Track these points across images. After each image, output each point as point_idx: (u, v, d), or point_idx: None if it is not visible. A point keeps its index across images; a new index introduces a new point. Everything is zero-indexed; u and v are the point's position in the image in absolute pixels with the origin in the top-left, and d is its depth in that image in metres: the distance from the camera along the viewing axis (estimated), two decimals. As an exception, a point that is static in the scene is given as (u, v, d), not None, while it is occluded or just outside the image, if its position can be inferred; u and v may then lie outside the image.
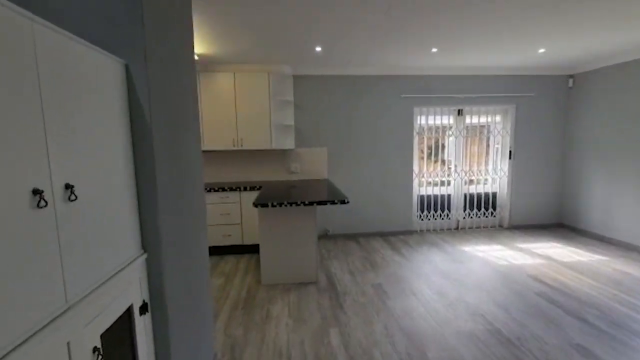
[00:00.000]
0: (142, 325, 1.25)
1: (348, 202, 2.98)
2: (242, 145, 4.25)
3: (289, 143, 4.52)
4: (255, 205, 2.93)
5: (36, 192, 0.75)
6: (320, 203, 2.96)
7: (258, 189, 4.06)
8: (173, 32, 1.53)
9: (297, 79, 4.53)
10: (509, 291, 2.99)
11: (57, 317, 0.81)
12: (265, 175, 4.66)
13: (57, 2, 1.15)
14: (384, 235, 4.86)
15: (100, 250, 1.00)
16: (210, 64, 4.10)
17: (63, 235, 0.84)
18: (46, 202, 0.78)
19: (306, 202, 2.94)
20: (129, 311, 1.17)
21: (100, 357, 0.96)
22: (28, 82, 0.75)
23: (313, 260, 3.25)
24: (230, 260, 3.97)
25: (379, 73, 4.61)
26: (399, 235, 4.86)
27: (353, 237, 4.82)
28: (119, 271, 1.10)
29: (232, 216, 4.08)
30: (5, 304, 0.67)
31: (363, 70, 4.57)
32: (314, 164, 4.68)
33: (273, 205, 2.92)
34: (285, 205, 2.93)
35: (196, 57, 3.70)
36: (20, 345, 0.70)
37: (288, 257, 3.22)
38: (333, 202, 2.96)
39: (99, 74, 1.03)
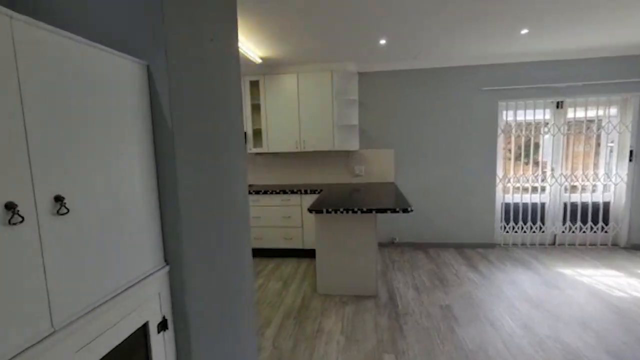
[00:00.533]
0: (162, 343, 1.17)
1: (411, 210, 2.63)
2: (304, 147, 4.18)
3: (352, 144, 4.30)
4: (310, 210, 2.78)
5: (9, 206, 0.68)
6: (379, 211, 2.67)
7: (319, 192, 3.93)
8: (209, 33, 1.44)
9: (363, 76, 4.27)
10: (629, 336, 2.30)
11: (38, 342, 0.74)
12: (328, 178, 4.51)
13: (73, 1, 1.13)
14: (458, 248, 4.30)
15: (102, 267, 0.93)
16: (274, 66, 4.11)
17: (49, 254, 0.77)
18: (22, 218, 0.70)
19: (364, 210, 2.69)
20: (144, 329, 1.10)
21: (97, 383, 0.88)
22: (3, 88, 0.68)
23: (372, 273, 2.98)
24: (290, 264, 3.92)
25: (454, 64, 4.08)
26: (477, 249, 4.25)
27: (422, 247, 4.38)
28: (129, 287, 1.02)
29: (293, 219, 4.02)
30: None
31: (434, 62, 4.10)
32: (379, 166, 4.37)
33: (328, 212, 2.74)
34: (341, 212, 2.72)
35: (259, 61, 3.72)
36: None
37: (345, 266, 3.01)
38: (394, 211, 2.65)
39: (107, 75, 0.96)
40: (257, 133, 4.32)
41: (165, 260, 1.22)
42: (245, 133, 4.08)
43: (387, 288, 3.17)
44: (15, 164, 0.70)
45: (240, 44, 3.15)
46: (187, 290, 1.24)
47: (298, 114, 4.14)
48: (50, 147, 0.78)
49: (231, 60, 1.70)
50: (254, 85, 4.21)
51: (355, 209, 2.70)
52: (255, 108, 4.27)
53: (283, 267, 3.84)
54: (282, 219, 4.04)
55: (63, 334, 0.80)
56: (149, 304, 1.12)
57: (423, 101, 4.22)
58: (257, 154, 4.55)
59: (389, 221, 4.40)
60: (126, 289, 1.01)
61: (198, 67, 1.35)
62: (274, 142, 4.24)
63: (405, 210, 2.62)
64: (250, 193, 4.05)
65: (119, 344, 0.99)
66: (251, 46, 3.32)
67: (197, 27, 1.34)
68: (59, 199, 0.80)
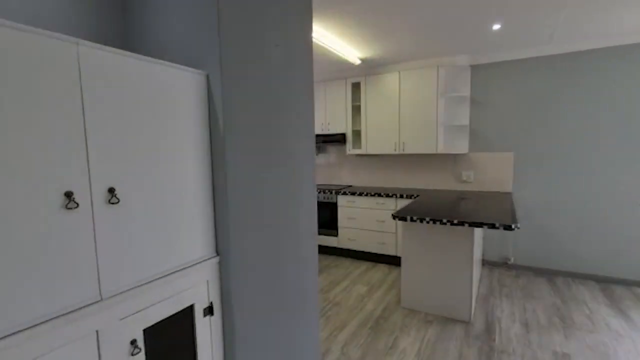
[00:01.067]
0: (207, 326, 1.29)
1: (516, 227, 2.17)
2: (403, 150, 3.95)
3: (460, 146, 3.83)
4: (394, 217, 2.61)
5: (68, 194, 0.86)
6: (473, 224, 2.30)
7: (416, 197, 3.65)
8: (274, 39, 1.51)
9: (476, 69, 3.75)
10: None
11: (85, 306, 0.91)
12: (430, 183, 4.14)
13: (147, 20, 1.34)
14: (603, 282, 3.33)
15: (149, 251, 1.08)
16: (375, 66, 4.02)
17: (100, 236, 0.94)
18: (77, 204, 0.88)
19: (454, 222, 2.36)
20: (191, 310, 1.23)
21: (137, 349, 1.03)
22: (69, 97, 0.87)
23: (467, 294, 2.59)
24: (381, 270, 3.78)
25: (598, 45, 3.16)
26: (631, 287, 3.20)
27: (545, 274, 3.56)
28: (176, 271, 1.16)
29: (387, 224, 3.86)
30: (32, 286, 0.80)
31: (569, 46, 3.26)
32: (493, 173, 3.76)
33: (412, 220, 2.51)
34: (427, 222, 2.46)
35: (358, 62, 3.70)
36: (46, 321, 0.82)
37: (434, 282, 2.71)
38: (492, 226, 2.23)
39: (162, 85, 1.11)
40: (357, 134, 4.31)
41: (217, 252, 1.33)
42: (344, 135, 4.14)
43: (486, 316, 2.70)
44: (75, 160, 0.88)
45: (337, 46, 3.20)
46: (234, 280, 1.33)
47: (398, 114, 3.94)
48: (105, 147, 0.95)
49: (301, 63, 1.73)
50: (356, 87, 4.21)
51: (444, 220, 2.39)
52: (356, 109, 4.27)
53: (373, 272, 3.73)
54: (377, 223, 3.93)
55: (109, 302, 0.97)
56: (196, 289, 1.25)
57: (555, 94, 3.42)
58: (356, 155, 4.55)
59: (504, 238, 3.75)
60: (172, 273, 1.16)
61: (259, 74, 1.42)
62: (372, 143, 4.16)
63: (507, 227, 2.18)
64: (345, 194, 4.08)
65: (164, 320, 1.14)
66: (349, 47, 3.33)
67: (259, 36, 1.42)
68: (111, 190, 0.96)
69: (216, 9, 1.21)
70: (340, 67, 4.05)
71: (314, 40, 2.93)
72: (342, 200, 4.13)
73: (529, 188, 3.61)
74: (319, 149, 4.85)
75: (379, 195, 3.86)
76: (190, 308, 1.24)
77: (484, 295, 3.07)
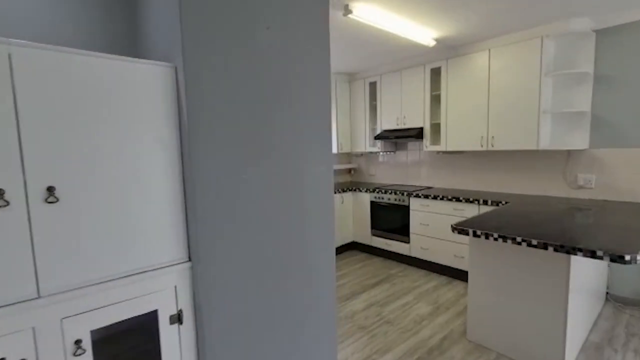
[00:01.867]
0: (176, 335, 1.22)
1: (632, 261, 1.46)
2: (492, 145, 3.23)
3: (576, 140, 2.92)
4: (453, 228, 2.12)
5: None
6: (563, 249, 1.66)
7: (504, 205, 2.94)
8: (265, 20, 1.33)
9: (603, 35, 2.77)
10: None
11: (20, 302, 0.93)
12: (529, 188, 3.29)
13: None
14: None
15: (100, 252, 1.05)
16: (458, 46, 3.40)
17: (38, 234, 0.94)
18: (7, 202, 0.89)
19: (534, 243, 1.75)
20: (155, 317, 1.18)
21: (80, 349, 1.02)
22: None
23: (558, 339, 1.92)
24: (454, 289, 3.19)
25: None
26: None
27: None
28: (131, 275, 1.11)
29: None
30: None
31: None
32: (627, 176, 2.74)
33: (476, 235, 1.99)
34: (495, 239, 1.90)
35: (432, 43, 3.17)
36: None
37: (511, 315, 2.10)
38: (592, 254, 1.56)
39: (118, 81, 1.06)
40: (436, 128, 3.75)
41: (190, 257, 1.25)
42: (421, 129, 3.66)
43: (590, 374, 1.95)
44: (6, 159, 0.90)
45: (400, 27, 2.79)
46: (205, 288, 1.22)
47: (487, 102, 3.24)
48: (45, 146, 0.95)
49: (311, 49, 1.50)
50: (435, 73, 3.65)
51: (519, 240, 1.80)
52: (435, 100, 3.70)
53: (444, 289, 3.18)
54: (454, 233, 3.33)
55: (47, 300, 0.97)
56: (160, 294, 1.18)
57: None
58: (437, 152, 3.97)
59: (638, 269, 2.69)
60: (130, 275, 1.11)
61: (241, 62, 1.27)
62: (453, 138, 3.54)
63: (618, 259, 1.49)
64: (418, 196, 3.60)
65: (121, 323, 1.10)
66: (420, 26, 2.86)
67: (241, 17, 1.26)
68: (50, 189, 0.96)
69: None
70: (416, 51, 3.57)
71: (371, 24, 2.62)
72: (415, 204, 3.66)
73: (691, 200, 2.49)
74: (395, 146, 4.42)
75: (457, 199, 3.26)
76: (154, 313, 1.18)
77: (596, 343, 2.25)
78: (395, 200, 3.85)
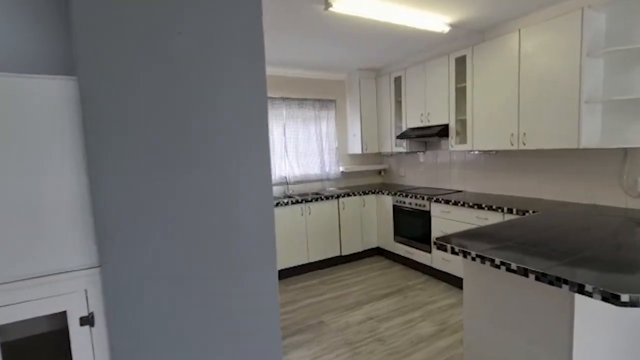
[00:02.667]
0: (87, 337, 1.27)
1: (627, 303, 1.07)
2: (524, 144, 2.74)
3: (636, 135, 2.30)
4: (434, 242, 1.84)
5: None
6: (557, 282, 1.30)
7: (533, 214, 2.45)
8: (177, 26, 1.30)
9: (673, -2, 2.12)
10: None
11: None
12: (576, 194, 2.70)
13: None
14: None
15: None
16: (483, 30, 2.95)
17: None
18: None
19: (512, 268, 1.41)
20: (64, 318, 1.24)
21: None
22: None
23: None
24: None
25: None
26: None
27: None
28: (35, 278, 1.19)
29: (491, 247, 2.79)
30: None
31: None
32: None
33: (454, 252, 1.69)
34: (473, 258, 1.58)
35: (446, 29, 2.80)
36: None
37: (513, 352, 1.73)
38: (589, 294, 1.19)
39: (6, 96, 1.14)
40: (462, 125, 3.31)
41: (100, 261, 1.29)
42: (446, 126, 3.31)
43: None
44: None
45: (406, 17, 2.53)
46: (116, 293, 1.25)
47: (517, 92, 2.74)
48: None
49: (235, 48, 1.43)
50: (460, 63, 3.22)
51: (497, 262, 1.47)
52: (461, 93, 3.27)
53: (460, 308, 2.80)
54: (477, 244, 2.90)
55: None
56: (69, 297, 1.24)
57: None
58: (466, 152, 3.51)
59: None
60: (32, 278, 1.19)
61: (150, 70, 1.26)
62: (480, 136, 3.09)
63: (608, 298, 1.11)
64: (439, 201, 3.23)
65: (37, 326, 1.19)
66: (418, 12, 2.55)
67: (144, 24, 1.25)
68: (-52, 199, 1.07)
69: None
70: (434, 40, 3.20)
71: (361, 16, 2.43)
72: (436, 209, 3.30)
73: None
74: (425, 146, 4.04)
75: (480, 207, 2.83)
76: (63, 315, 1.25)
77: (637, 400, 1.73)
78: (417, 205, 3.52)
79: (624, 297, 1.07)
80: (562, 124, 2.46)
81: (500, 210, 2.67)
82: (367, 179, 4.78)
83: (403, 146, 4.03)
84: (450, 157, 3.75)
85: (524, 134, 2.72)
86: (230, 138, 1.43)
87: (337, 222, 3.90)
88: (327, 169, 4.38)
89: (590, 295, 1.15)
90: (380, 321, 2.67)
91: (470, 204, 2.91)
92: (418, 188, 4.00)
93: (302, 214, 3.66)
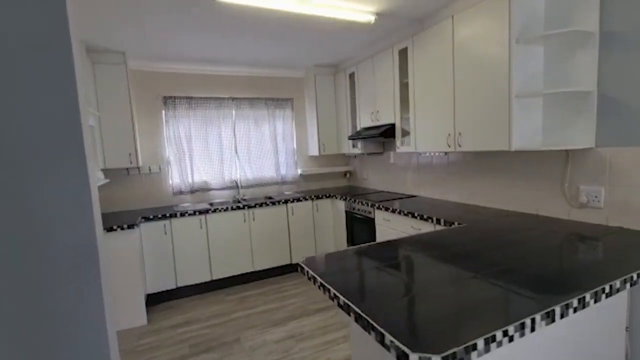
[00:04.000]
0: None
1: (417, 367, 0.81)
2: (460, 145, 2.42)
3: (576, 135, 1.96)
4: (301, 267, 1.60)
5: None
6: (382, 340, 1.05)
7: (458, 226, 2.15)
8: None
9: (611, -30, 1.77)
10: None
11: None
12: (522, 203, 2.36)
13: None
14: None
15: None
16: (424, 18, 2.64)
17: None
18: None
19: (351, 307, 1.16)
20: None
21: None
22: None
23: None
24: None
25: None
26: None
27: None
28: None
29: (425, 261, 2.50)
30: None
31: None
32: (657, 192, 1.69)
33: (308, 277, 1.45)
34: (323, 290, 1.34)
35: (371, 19, 2.52)
36: None
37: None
38: (395, 352, 0.94)
39: None
40: (407, 124, 3.01)
41: None
42: (393, 126, 3.03)
43: None
44: None
45: (319, 3, 2.29)
46: None
47: (453, 87, 2.44)
48: None
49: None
50: (403, 56, 2.92)
51: (340, 300, 1.22)
52: (405, 89, 2.97)
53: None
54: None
55: None
56: None
57: None
58: (419, 154, 3.20)
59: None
60: None
61: None
62: (422, 136, 2.79)
63: (400, 355, 0.85)
64: (380, 208, 2.95)
65: None
66: (343, 2, 2.30)
67: None
68: None
69: None
70: (382, 30, 2.92)
71: (283, 9, 2.21)
72: (379, 217, 3.02)
73: None
74: (383, 147, 3.74)
75: (413, 216, 2.54)
76: None
77: None
78: (364, 211, 3.26)
79: (412, 357, 0.81)
80: (492, 123, 2.14)
81: (430, 220, 2.38)
82: (331, 181, 4.53)
83: (358, 147, 3.76)
84: (407, 160, 3.45)
85: (459, 133, 2.41)
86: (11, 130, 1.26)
87: (287, 228, 3.69)
88: (283, 172, 4.17)
89: (388, 349, 0.90)
90: (299, 340, 2.45)
91: (405, 212, 2.62)
92: (375, 192, 3.72)
93: (245, 220, 3.48)
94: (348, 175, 4.57)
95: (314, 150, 4.16)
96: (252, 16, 2.45)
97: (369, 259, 1.54)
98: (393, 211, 2.77)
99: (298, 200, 3.71)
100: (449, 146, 2.50)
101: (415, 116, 2.83)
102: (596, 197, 1.91)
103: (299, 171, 4.27)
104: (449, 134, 2.49)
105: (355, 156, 4.34)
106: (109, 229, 2.63)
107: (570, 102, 1.97)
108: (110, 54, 3.06)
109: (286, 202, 3.65)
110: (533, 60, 2.05)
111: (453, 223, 2.18)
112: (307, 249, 3.80)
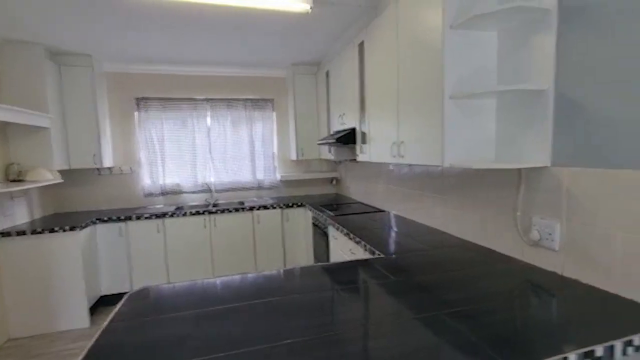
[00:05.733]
0: None
1: None
2: (402, 156, 2.00)
3: (529, 149, 1.47)
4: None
5: None
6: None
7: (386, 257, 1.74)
8: None
9: None
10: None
11: None
12: (474, 232, 1.87)
13: None
14: None
15: None
16: (375, 6, 2.25)
17: None
18: None
19: None
20: None
21: None
22: None
23: None
24: None
25: None
26: None
27: None
28: None
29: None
30: None
31: None
32: (624, 238, 1.15)
33: None
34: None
35: (306, 8, 2.18)
36: None
37: None
38: None
39: None
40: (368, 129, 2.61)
41: None
42: (354, 130, 2.71)
43: None
44: None
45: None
46: None
47: (397, 86, 2.01)
48: None
49: None
50: (361, 50, 2.53)
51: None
52: (364, 88, 2.57)
53: None
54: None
55: None
56: None
57: None
58: (388, 164, 2.77)
59: None
60: None
61: None
62: (375, 143, 2.38)
63: None
64: (332, 225, 2.60)
65: None
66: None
67: None
68: None
69: None
70: (337, 21, 2.58)
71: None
72: (332, 232, 2.67)
73: None
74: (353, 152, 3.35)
75: (349, 237, 2.17)
76: None
77: None
78: (321, 224, 2.92)
79: None
80: (431, 131, 1.70)
81: (360, 244, 1.99)
82: (317, 188, 4.22)
83: (331, 153, 3.42)
84: (378, 169, 3.03)
85: (402, 142, 1.98)
86: None
87: (252, 237, 3.47)
88: (260, 177, 3.96)
89: None
90: None
91: (345, 231, 2.25)
92: (351, 203, 3.35)
93: (205, 226, 3.34)
94: (335, 182, 4.22)
95: (293, 155, 3.89)
96: (177, 10, 2.27)
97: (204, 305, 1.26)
98: (337, 228, 2.41)
99: (265, 207, 3.47)
100: (394, 156, 2.08)
101: (369, 120, 2.43)
102: (550, 234, 1.39)
103: (278, 176, 4.03)
104: (394, 142, 2.07)
105: (340, 162, 3.98)
106: (50, 230, 2.64)
107: (524, 104, 1.48)
108: (76, 57, 3.11)
109: (251, 209, 3.44)
110: (479, 50, 1.58)
111: (374, 252, 1.78)
112: (275, 260, 3.55)
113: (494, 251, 1.70)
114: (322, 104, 3.62)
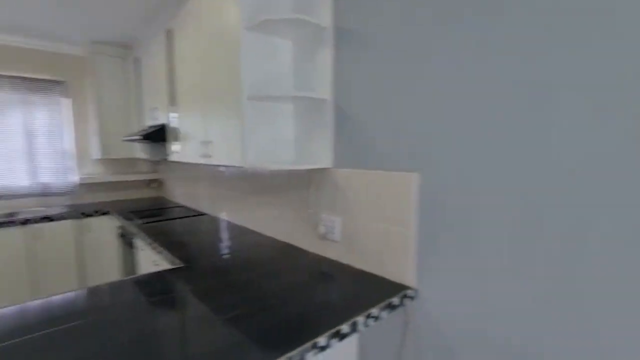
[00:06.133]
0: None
1: None
2: (210, 156, 1.90)
3: (318, 152, 1.60)
4: None
5: None
6: None
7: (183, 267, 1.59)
8: None
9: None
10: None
11: None
12: (276, 226, 1.97)
13: None
14: None
15: None
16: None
17: None
18: None
19: None
20: None
21: None
22: None
23: None
24: None
25: None
26: None
27: None
28: None
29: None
30: None
31: None
32: (369, 226, 1.39)
33: None
34: None
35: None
36: None
37: None
38: None
39: None
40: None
41: None
42: (164, 127, 2.32)
43: None
44: None
45: None
46: None
47: (202, 81, 1.91)
48: None
49: None
50: (171, 36, 2.31)
51: None
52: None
53: None
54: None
55: None
56: None
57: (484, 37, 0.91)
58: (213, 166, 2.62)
59: None
60: None
61: None
62: (186, 142, 2.21)
63: None
64: (136, 231, 2.25)
65: None
66: None
67: None
68: None
69: None
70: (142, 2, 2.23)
71: None
72: (139, 243, 2.32)
73: (453, 286, 1.16)
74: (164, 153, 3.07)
75: (151, 246, 1.92)
76: None
77: None
78: (128, 234, 2.50)
79: None
80: (233, 131, 1.66)
81: (164, 255, 1.78)
82: (134, 191, 3.64)
83: (145, 152, 3.00)
84: (204, 170, 2.83)
85: (211, 141, 1.88)
86: None
87: (24, 258, 2.66)
88: (45, 180, 3.11)
89: None
90: None
91: (149, 241, 1.98)
92: (172, 207, 3.01)
93: (-60, 252, 2.34)
94: (155, 184, 3.74)
95: (96, 153, 3.21)
96: None
97: None
98: (142, 238, 2.10)
99: (49, 219, 2.73)
100: (203, 157, 1.96)
101: (180, 116, 2.23)
102: (333, 228, 1.57)
103: (78, 179, 3.26)
104: (202, 141, 1.95)
105: (158, 162, 3.55)
106: None
107: (313, 111, 1.62)
108: None
109: (25, 222, 2.63)
110: (277, 55, 1.64)
111: (174, 262, 1.61)
112: (66, 282, 2.83)
113: (294, 246, 1.81)
114: (134, 95, 3.13)
